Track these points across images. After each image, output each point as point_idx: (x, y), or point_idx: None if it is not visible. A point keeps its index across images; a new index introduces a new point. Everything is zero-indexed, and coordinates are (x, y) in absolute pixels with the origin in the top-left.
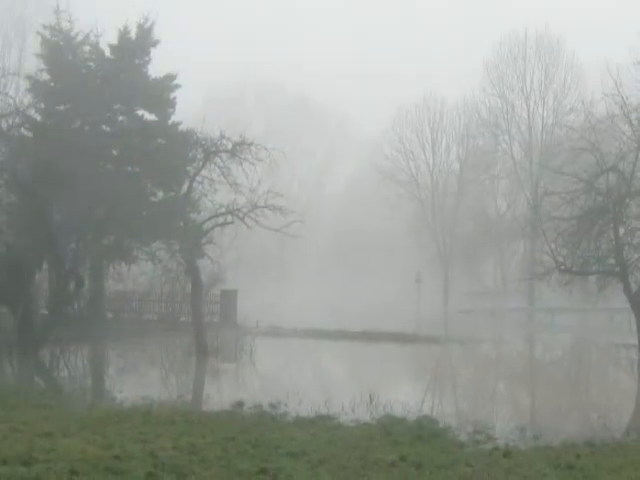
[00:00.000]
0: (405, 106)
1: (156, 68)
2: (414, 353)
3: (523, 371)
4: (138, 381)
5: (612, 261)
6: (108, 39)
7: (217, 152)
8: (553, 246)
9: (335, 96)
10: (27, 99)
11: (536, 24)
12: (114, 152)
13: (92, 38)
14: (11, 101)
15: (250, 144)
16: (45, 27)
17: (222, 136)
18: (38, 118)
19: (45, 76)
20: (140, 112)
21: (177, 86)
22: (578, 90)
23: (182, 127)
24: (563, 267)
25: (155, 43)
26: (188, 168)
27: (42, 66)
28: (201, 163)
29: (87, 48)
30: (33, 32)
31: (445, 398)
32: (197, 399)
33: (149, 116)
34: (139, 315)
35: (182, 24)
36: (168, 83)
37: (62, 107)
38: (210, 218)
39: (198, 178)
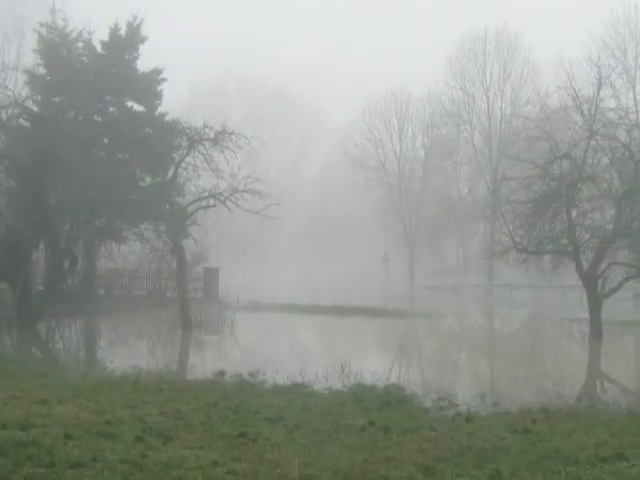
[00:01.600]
0: (374, 98)
1: (144, 63)
2: (382, 326)
3: (483, 343)
4: (127, 352)
5: (565, 241)
6: (100, 36)
7: (200, 140)
8: (511, 227)
9: (309, 89)
10: (25, 91)
11: (495, 22)
12: (105, 140)
13: (85, 35)
14: (10, 93)
15: (231, 133)
16: (42, 25)
17: (205, 126)
18: (35, 109)
19: (42, 70)
20: (129, 103)
21: (163, 79)
22: (534, 83)
23: (168, 117)
24: (520, 247)
25: (143, 40)
26: (174, 155)
27: (39, 61)
28: (186, 151)
29: (80, 44)
30: (31, 30)
31: (411, 367)
32: (182, 368)
33: (138, 107)
34: (128, 291)
35: (169, 22)
36: (155, 77)
37: (57, 99)
38: (194, 201)
39: (183, 164)
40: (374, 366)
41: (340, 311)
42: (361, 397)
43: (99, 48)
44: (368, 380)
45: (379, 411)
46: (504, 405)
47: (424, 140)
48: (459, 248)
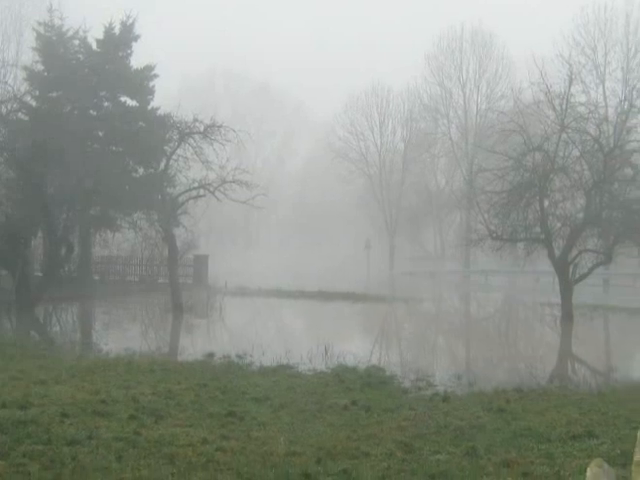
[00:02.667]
0: (356, 93)
1: (137, 60)
2: (364, 310)
3: (460, 326)
4: (121, 335)
5: (538, 229)
6: (95, 34)
7: (190, 134)
8: (486, 216)
9: (293, 84)
10: (24, 87)
11: (472, 21)
12: (100, 134)
13: (81, 33)
14: (10, 89)
15: (220, 126)
16: (40, 24)
17: (195, 120)
18: (34, 104)
19: (40, 67)
20: (123, 98)
21: (155, 76)
22: (508, 79)
23: (160, 112)
24: (495, 235)
25: (136, 38)
26: (165, 148)
27: (37, 58)
28: (176, 143)
29: (76, 42)
30: (29, 28)
31: (391, 350)
32: (173, 351)
33: (131, 102)
34: (122, 277)
35: (160, 20)
36: (147, 73)
37: (54, 94)
38: (185, 192)
39: (174, 156)
40: (356, 348)
41: (324, 296)
42: (343, 378)
43: (94, 46)
44: (350, 362)
45: (361, 391)
46: (479, 385)
47: (404, 133)
48: (437, 236)
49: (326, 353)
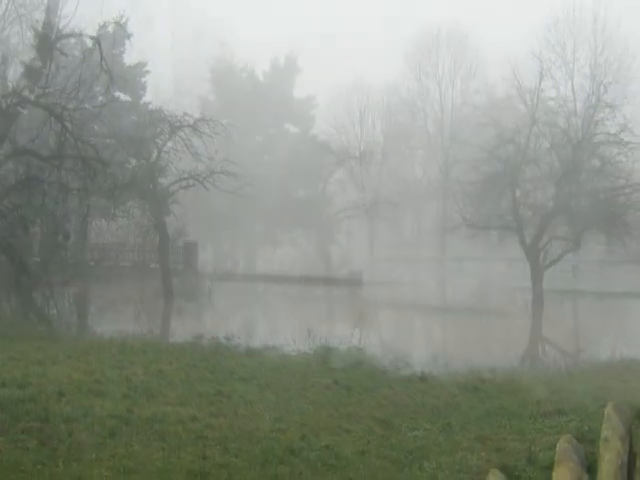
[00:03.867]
0: (338, 89)
1: (130, 57)
2: (344, 294)
3: (436, 310)
4: (115, 317)
5: (510, 218)
6: (89, 32)
7: (181, 127)
8: (461, 205)
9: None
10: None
11: (448, 22)
12: (95, 127)
13: (76, 31)
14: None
15: (208, 120)
16: (37, 21)
17: (185, 113)
18: (32, 98)
19: (38, 63)
20: (117, 94)
21: (147, 72)
22: (482, 75)
23: (152, 106)
24: (469, 223)
25: (129, 36)
26: (157, 140)
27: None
28: (167, 136)
29: (72, 40)
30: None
31: (371, 332)
32: (164, 333)
33: (124, 97)
34: (116, 263)
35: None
36: (140, 69)
37: (51, 89)
38: (175, 182)
39: (165, 149)
40: (337, 331)
41: (307, 281)
42: (326, 359)
43: (88, 43)
44: (332, 343)
45: (342, 371)
46: (455, 366)
47: (383, 127)
48: (414, 224)
49: (309, 335)
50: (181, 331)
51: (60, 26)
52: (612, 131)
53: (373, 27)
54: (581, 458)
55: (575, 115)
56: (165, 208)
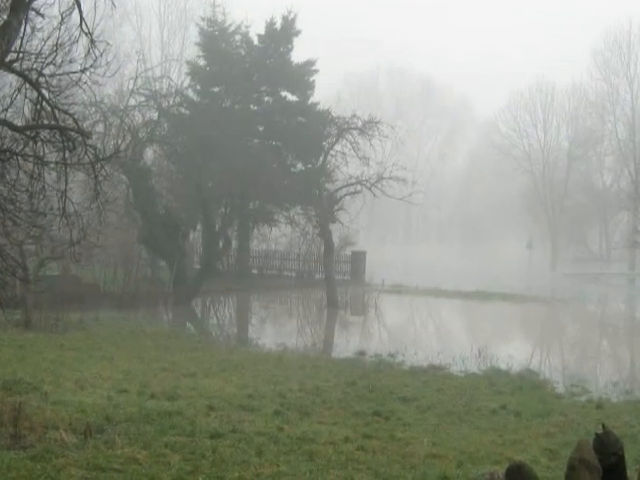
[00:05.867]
0: (519, 89)
1: (298, 55)
2: (523, 311)
3: (622, 331)
4: (275, 329)
5: None
6: (256, 30)
7: (349, 129)
8: None
9: (456, 81)
10: (186, 81)
11: None
12: (260, 128)
13: (243, 29)
14: (173, 83)
15: (377, 122)
16: (203, 19)
17: (353, 115)
18: (195, 98)
19: (202, 62)
20: (283, 93)
21: (316, 71)
22: None
23: (319, 107)
24: None
25: (297, 33)
26: (323, 143)
27: (200, 53)
28: (335, 139)
29: (238, 37)
30: (193, 23)
31: (547, 353)
32: (325, 347)
33: (291, 97)
34: (279, 272)
35: (322, 14)
36: (308, 68)
37: (216, 89)
38: (342, 187)
39: (332, 152)
40: (511, 351)
41: (482, 296)
42: (495, 381)
43: (255, 41)
44: (503, 364)
45: (511, 395)
46: (636, 393)
47: (568, 131)
48: (602, 237)
49: (479, 355)
50: (343, 346)
51: None
52: None
53: (557, 20)
54: None
55: None
56: (331, 215)
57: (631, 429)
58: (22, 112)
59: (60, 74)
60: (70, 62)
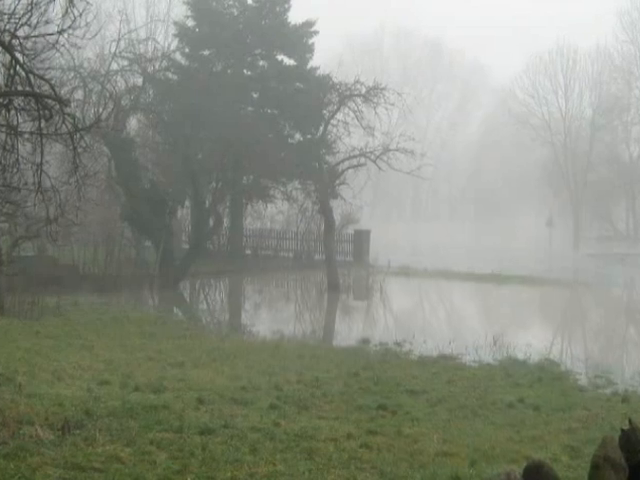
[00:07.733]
0: (538, 52)
1: (295, 15)
2: (541, 296)
3: None
4: (270, 315)
5: None
6: None
7: (351, 96)
8: None
9: (468, 43)
10: (174, 44)
11: None
12: (254, 95)
13: None
14: (159, 46)
15: (383, 89)
16: None
17: (356, 81)
18: (183, 62)
19: (191, 22)
20: (280, 57)
21: (315, 32)
22: None
23: (319, 72)
24: None
25: None
26: (324, 112)
27: (188, 13)
28: (336, 107)
29: None
30: None
31: (569, 341)
32: (325, 335)
33: (288, 61)
34: (275, 252)
35: None
36: (307, 29)
37: (206, 52)
38: (344, 160)
39: (333, 121)
40: (529, 339)
41: (497, 279)
42: (511, 372)
43: (249, 0)
44: (521, 354)
45: (530, 387)
46: None
47: (591, 98)
48: (629, 214)
49: (494, 343)
50: (345, 334)
51: None
52: None
53: None
54: None
55: None
56: (332, 190)
57: None
58: None
59: (35, 36)
60: (46, 23)
